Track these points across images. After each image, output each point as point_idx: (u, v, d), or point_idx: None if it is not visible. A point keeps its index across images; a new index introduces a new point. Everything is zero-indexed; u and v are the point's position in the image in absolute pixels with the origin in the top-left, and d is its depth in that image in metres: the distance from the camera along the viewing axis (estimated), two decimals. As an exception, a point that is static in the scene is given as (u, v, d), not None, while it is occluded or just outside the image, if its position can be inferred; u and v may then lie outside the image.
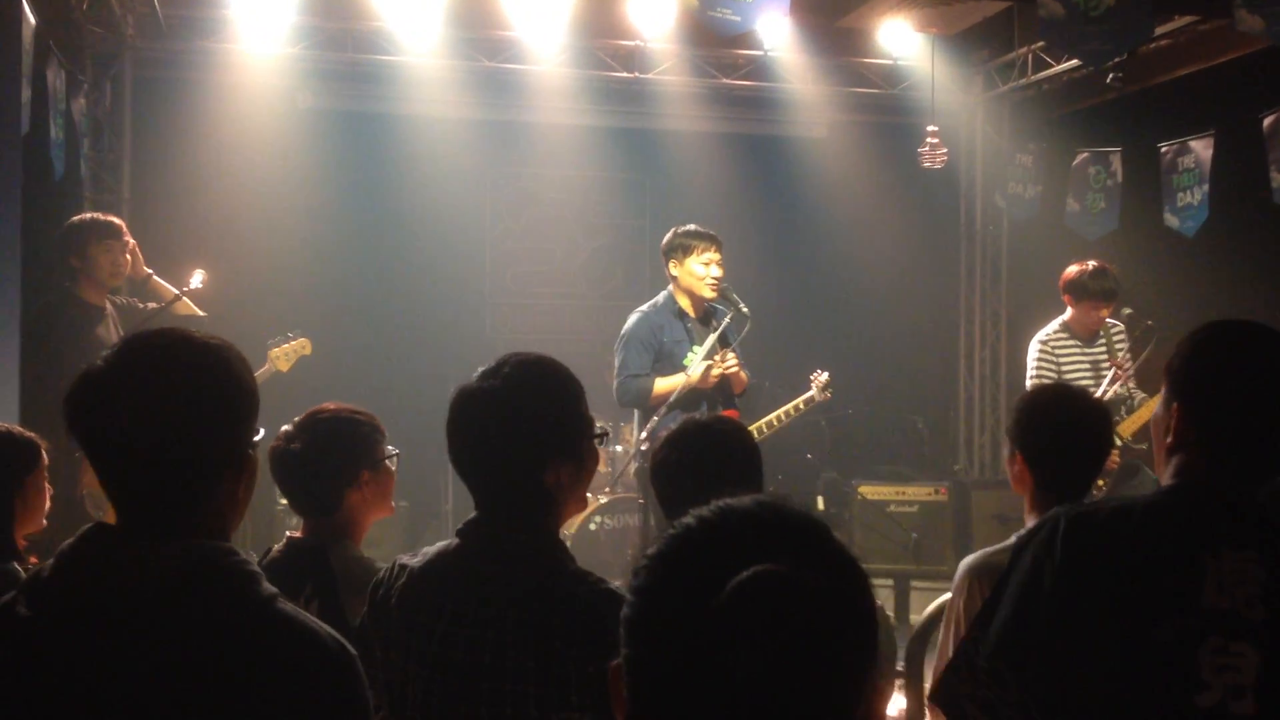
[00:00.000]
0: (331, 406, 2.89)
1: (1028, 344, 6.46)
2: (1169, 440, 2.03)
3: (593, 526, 6.97)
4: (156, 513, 1.55)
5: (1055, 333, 6.22)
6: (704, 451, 2.62)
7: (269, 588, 1.57)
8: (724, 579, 1.02)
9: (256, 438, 1.66)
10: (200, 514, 1.57)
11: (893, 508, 7.79)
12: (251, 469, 1.65)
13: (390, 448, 2.92)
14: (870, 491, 7.85)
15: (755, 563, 1.02)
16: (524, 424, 2.10)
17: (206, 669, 1.48)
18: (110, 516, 1.61)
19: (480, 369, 2.18)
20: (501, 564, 2.06)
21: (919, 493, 7.84)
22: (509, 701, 1.98)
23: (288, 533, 2.89)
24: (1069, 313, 6.20)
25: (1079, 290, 6.12)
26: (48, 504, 3.25)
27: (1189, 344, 2.07)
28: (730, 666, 1.00)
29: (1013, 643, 1.91)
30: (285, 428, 2.82)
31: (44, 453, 3.21)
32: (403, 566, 2.15)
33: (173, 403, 1.54)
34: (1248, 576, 1.88)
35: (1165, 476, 2.03)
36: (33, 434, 3.29)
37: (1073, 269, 6.20)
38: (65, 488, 5.09)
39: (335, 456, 2.79)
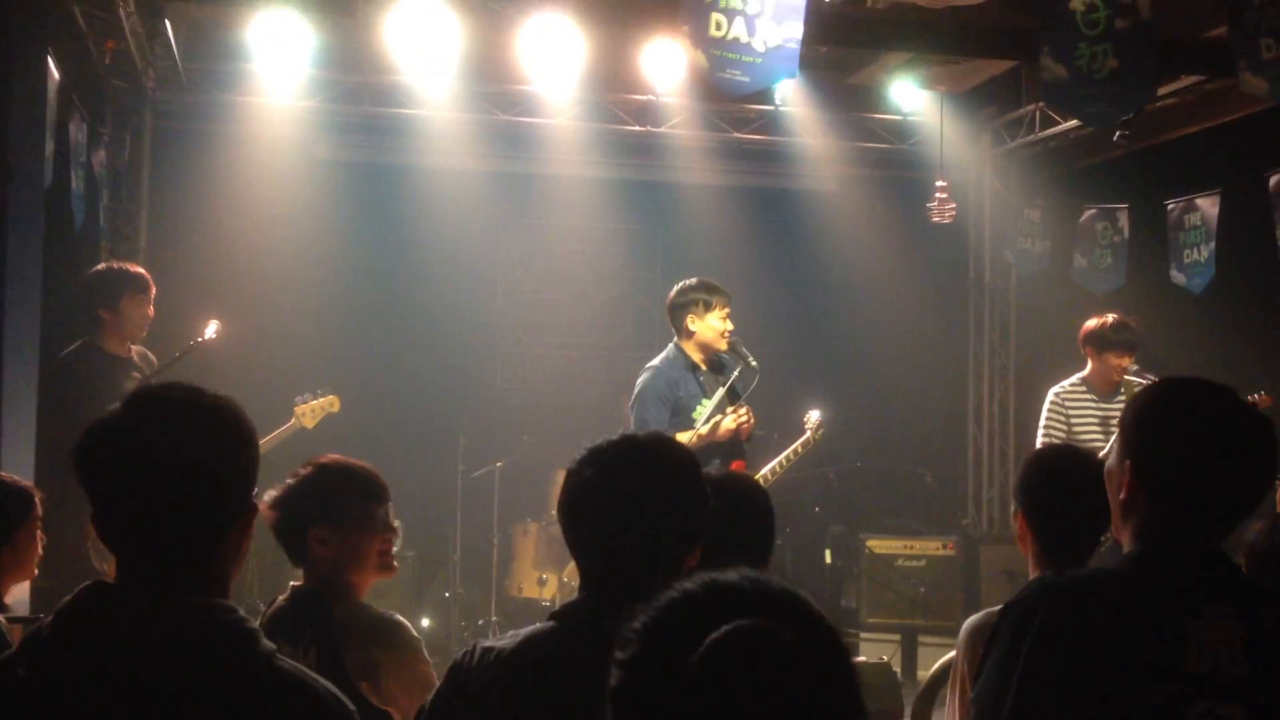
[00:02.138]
0: (324, 458, 2.88)
1: (1036, 398, 6.47)
2: (1122, 497, 2.02)
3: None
4: (158, 569, 1.57)
5: (1072, 386, 6.22)
6: (718, 510, 2.63)
7: (267, 645, 1.58)
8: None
9: (254, 490, 1.68)
10: (202, 571, 1.59)
11: (901, 562, 7.78)
12: (251, 521, 1.66)
13: (373, 507, 2.84)
14: (878, 545, 7.84)
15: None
16: (687, 501, 2.11)
17: None
18: (114, 568, 1.63)
19: (596, 445, 2.12)
20: (606, 652, 2.02)
21: (927, 547, 7.83)
22: None
23: (291, 583, 2.92)
24: (1089, 367, 6.19)
25: (1100, 341, 6.11)
26: (39, 555, 3.23)
27: (1139, 401, 2.07)
28: None
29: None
30: None
31: (38, 504, 3.20)
32: (487, 649, 2.07)
33: (183, 459, 1.57)
34: (1228, 634, 1.88)
35: (1125, 539, 2.03)
36: (27, 484, 3.30)
37: (1093, 322, 6.18)
38: (75, 540, 5.12)
39: (290, 507, 2.80)
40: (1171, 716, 1.84)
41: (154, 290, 5.67)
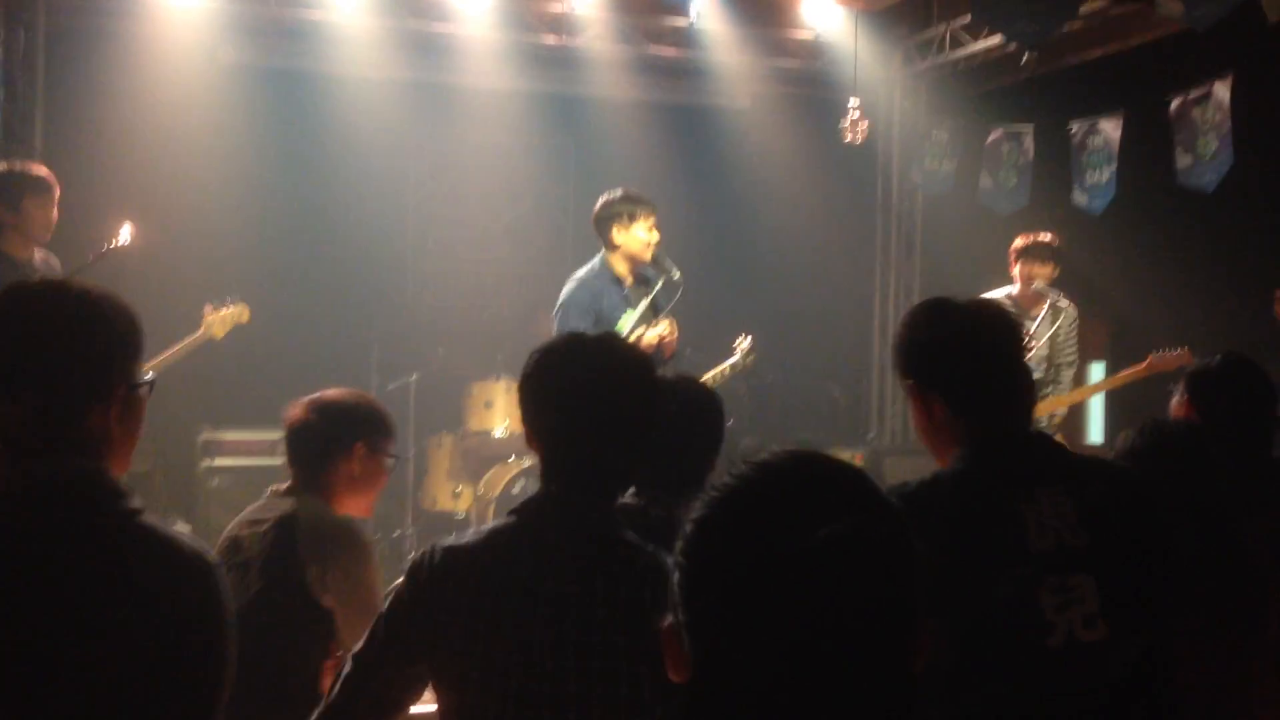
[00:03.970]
0: (366, 394, 3.14)
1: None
2: (920, 417, 2.21)
3: (515, 490, 7.02)
4: (31, 437, 1.70)
5: (998, 299, 6.41)
6: (674, 409, 2.68)
7: (135, 503, 1.71)
8: (775, 539, 1.06)
9: (141, 380, 1.80)
10: (69, 440, 1.71)
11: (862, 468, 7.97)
12: (129, 408, 1.78)
13: (392, 451, 3.05)
14: (788, 458, 8.01)
15: (803, 520, 1.06)
16: (642, 393, 2.16)
17: (69, 572, 1.61)
18: None
19: (547, 344, 2.21)
20: (575, 539, 2.04)
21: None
22: (598, 677, 1.95)
23: (271, 487, 3.00)
24: (1017, 284, 6.40)
25: (1022, 252, 6.33)
26: None
27: (904, 330, 2.28)
28: (799, 622, 1.04)
29: None
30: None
31: None
32: (448, 548, 2.10)
33: (43, 343, 1.72)
34: (1061, 509, 2.00)
35: (947, 451, 2.18)
36: None
37: (1020, 238, 6.43)
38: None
39: (345, 416, 2.98)
40: (1026, 595, 1.95)
41: (58, 191, 5.46)
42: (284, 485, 2.98)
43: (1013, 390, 2.16)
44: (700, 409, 2.84)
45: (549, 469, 2.14)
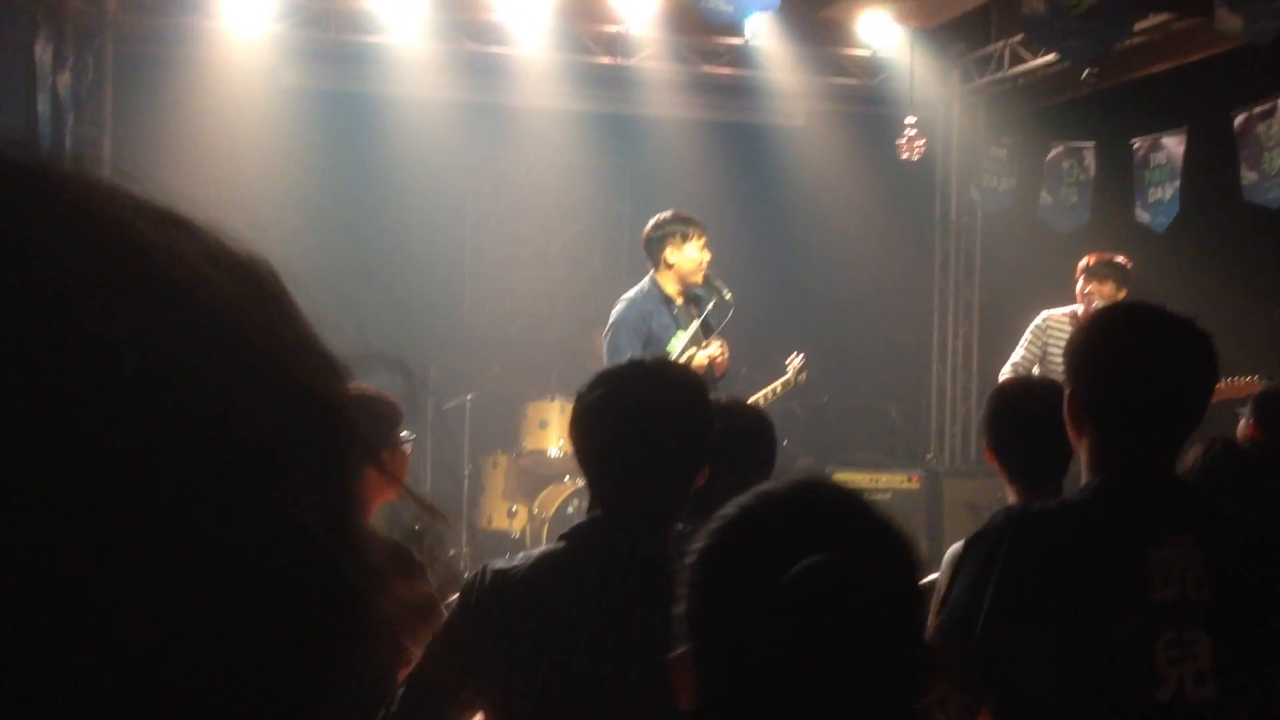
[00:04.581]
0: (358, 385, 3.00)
1: (999, 334, 6.56)
2: (1070, 425, 2.08)
3: (570, 510, 7.04)
4: None
5: (1059, 315, 6.29)
6: (723, 433, 2.67)
7: None
8: (777, 568, 1.05)
9: None
10: None
11: (866, 495, 7.88)
12: None
13: (405, 432, 3.02)
14: (845, 479, 7.96)
15: (804, 548, 1.05)
16: (695, 421, 2.15)
17: None
18: None
19: (605, 369, 2.23)
20: (620, 567, 2.04)
21: (892, 480, 7.95)
22: (634, 710, 1.94)
23: None
24: (1079, 304, 6.28)
25: (1083, 270, 6.21)
26: None
27: (1079, 329, 2.16)
28: (797, 652, 1.04)
29: (959, 646, 1.93)
30: None
31: None
32: (498, 571, 2.10)
33: None
34: (1190, 560, 1.93)
35: (1083, 466, 2.08)
36: None
37: (1090, 256, 6.30)
38: None
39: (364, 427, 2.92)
40: (1141, 646, 1.89)
41: None
42: None
43: (1169, 429, 2.05)
44: (750, 433, 2.82)
45: (599, 494, 2.14)
